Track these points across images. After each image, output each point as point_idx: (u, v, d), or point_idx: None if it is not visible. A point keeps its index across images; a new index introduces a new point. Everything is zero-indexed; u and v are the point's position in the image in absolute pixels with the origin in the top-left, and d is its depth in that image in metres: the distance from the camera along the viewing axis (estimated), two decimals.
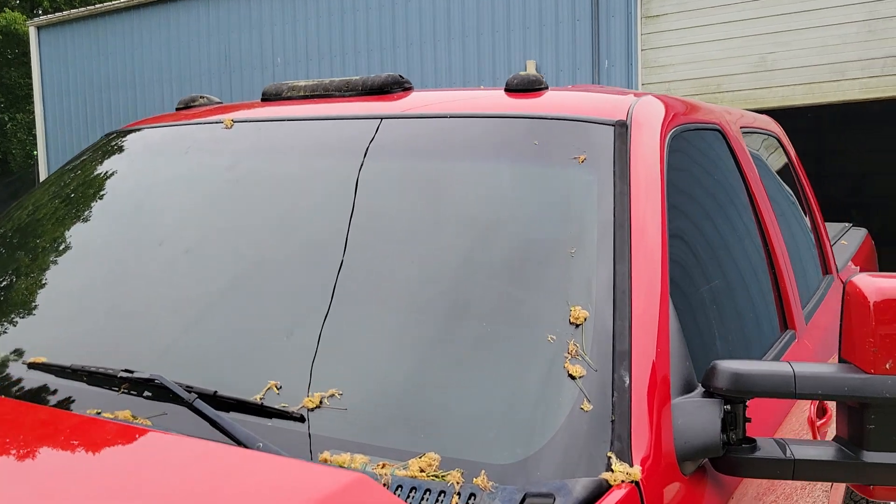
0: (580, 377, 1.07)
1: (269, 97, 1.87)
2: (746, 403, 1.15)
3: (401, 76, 1.75)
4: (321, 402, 1.08)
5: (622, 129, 1.40)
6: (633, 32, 10.12)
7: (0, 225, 1.77)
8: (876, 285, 1.10)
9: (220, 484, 0.90)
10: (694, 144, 1.62)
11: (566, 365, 1.08)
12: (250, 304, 1.28)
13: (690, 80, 9.87)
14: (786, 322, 1.91)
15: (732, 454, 1.13)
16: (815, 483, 1.46)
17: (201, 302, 1.30)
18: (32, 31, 16.05)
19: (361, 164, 1.42)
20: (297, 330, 1.20)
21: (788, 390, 1.10)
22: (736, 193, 1.81)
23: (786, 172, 2.67)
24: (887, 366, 1.08)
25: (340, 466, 0.97)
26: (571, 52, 10.54)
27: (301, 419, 1.06)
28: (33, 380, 1.24)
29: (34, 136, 17.00)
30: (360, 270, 1.25)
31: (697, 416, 1.11)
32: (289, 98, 1.83)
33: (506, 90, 1.60)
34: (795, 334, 1.90)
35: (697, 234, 1.50)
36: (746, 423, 1.14)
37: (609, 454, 1.01)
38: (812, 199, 2.79)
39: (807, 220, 2.73)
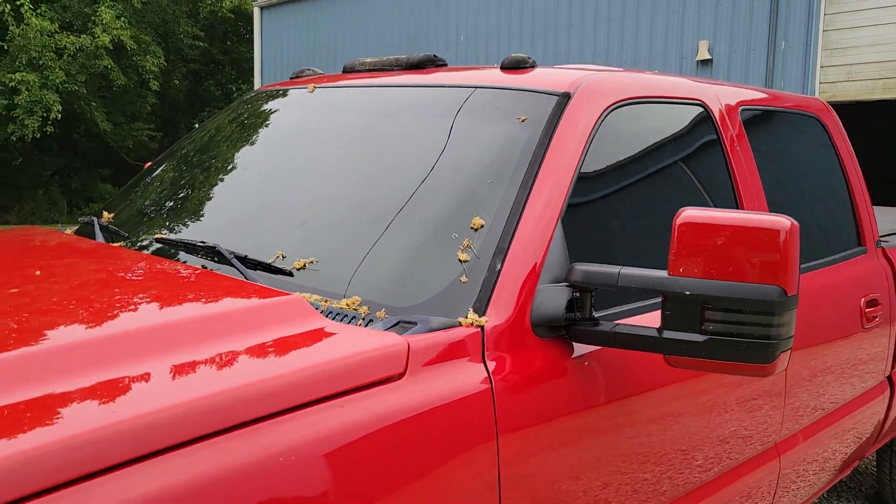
0: (465, 262, 1.59)
1: (347, 70, 2.51)
2: (593, 292, 1.61)
3: (435, 56, 2.31)
4: (304, 266, 1.69)
5: (564, 100, 1.87)
6: (816, 11, 9.71)
7: (181, 146, 2.57)
8: (684, 213, 1.51)
9: (204, 291, 1.53)
10: (638, 118, 2.03)
11: (458, 253, 1.61)
12: (285, 208, 1.93)
13: (874, 64, 9.33)
14: None
15: (578, 326, 1.59)
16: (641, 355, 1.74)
17: (258, 206, 1.97)
18: (257, 11, 18.08)
19: (361, 112, 2.01)
20: (295, 217, 1.83)
21: (613, 283, 1.55)
22: (691, 156, 2.18)
23: (823, 153, 2.89)
24: (681, 270, 1.50)
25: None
26: (746, 32, 10.30)
27: (291, 274, 1.68)
28: (156, 245, 1.97)
29: None
30: (349, 186, 1.85)
31: (552, 298, 1.59)
32: (359, 71, 2.45)
33: (501, 68, 2.11)
34: None
35: (618, 189, 1.92)
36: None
37: (469, 309, 1.52)
38: (855, 183, 2.96)
39: (851, 203, 2.93)
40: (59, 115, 17.18)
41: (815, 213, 2.80)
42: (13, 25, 17.19)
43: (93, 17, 18.54)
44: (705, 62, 10.64)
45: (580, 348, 1.65)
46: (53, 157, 21.14)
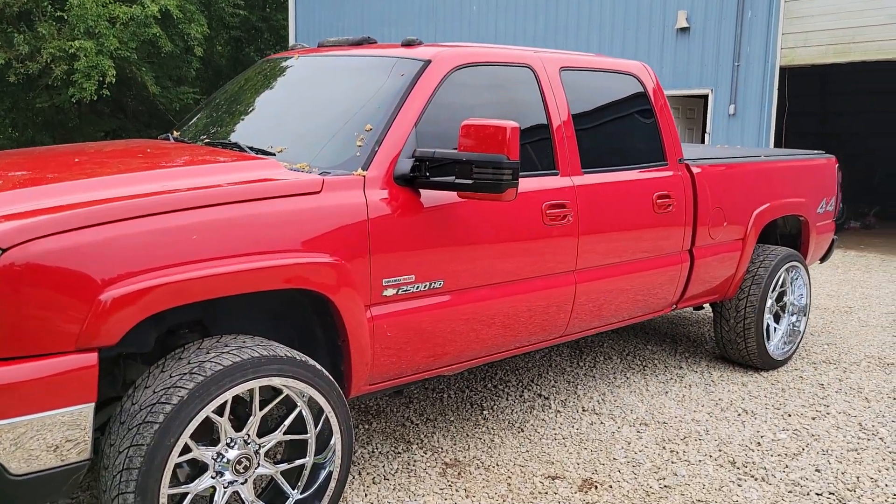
0: (359, 146, 3.13)
1: (320, 45, 4.05)
2: (426, 162, 3.12)
3: (369, 37, 3.84)
4: (281, 150, 3.25)
5: (427, 63, 3.38)
6: None
7: (218, 94, 4.15)
8: (465, 120, 3.02)
9: (226, 159, 3.10)
10: (476, 75, 3.52)
11: (356, 142, 3.15)
12: (274, 121, 3.50)
13: (826, 31, 10.49)
14: (553, 164, 3.74)
15: (418, 179, 3.12)
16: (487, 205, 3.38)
17: (260, 119, 3.55)
18: None
19: (321, 71, 3.57)
20: (280, 128, 3.41)
21: (431, 157, 3.07)
22: (518, 99, 3.67)
23: (638, 100, 4.34)
24: (463, 148, 3.00)
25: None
26: (719, 3, 11.49)
27: (274, 154, 3.24)
28: (203, 144, 3.54)
29: None
30: (308, 109, 3.41)
31: (405, 164, 3.12)
32: (326, 46, 3.99)
33: (401, 45, 3.61)
34: (558, 173, 3.73)
35: (452, 112, 3.42)
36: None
37: (359, 168, 3.06)
38: (662, 120, 4.39)
39: (658, 133, 4.38)
40: (114, 80, 18.94)
41: (626, 138, 4.26)
42: None
43: None
44: (684, 30, 11.88)
45: (428, 200, 3.18)
46: (106, 119, 23.04)
